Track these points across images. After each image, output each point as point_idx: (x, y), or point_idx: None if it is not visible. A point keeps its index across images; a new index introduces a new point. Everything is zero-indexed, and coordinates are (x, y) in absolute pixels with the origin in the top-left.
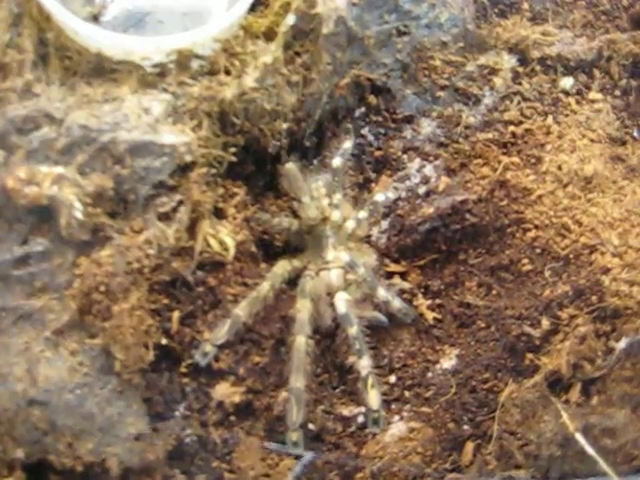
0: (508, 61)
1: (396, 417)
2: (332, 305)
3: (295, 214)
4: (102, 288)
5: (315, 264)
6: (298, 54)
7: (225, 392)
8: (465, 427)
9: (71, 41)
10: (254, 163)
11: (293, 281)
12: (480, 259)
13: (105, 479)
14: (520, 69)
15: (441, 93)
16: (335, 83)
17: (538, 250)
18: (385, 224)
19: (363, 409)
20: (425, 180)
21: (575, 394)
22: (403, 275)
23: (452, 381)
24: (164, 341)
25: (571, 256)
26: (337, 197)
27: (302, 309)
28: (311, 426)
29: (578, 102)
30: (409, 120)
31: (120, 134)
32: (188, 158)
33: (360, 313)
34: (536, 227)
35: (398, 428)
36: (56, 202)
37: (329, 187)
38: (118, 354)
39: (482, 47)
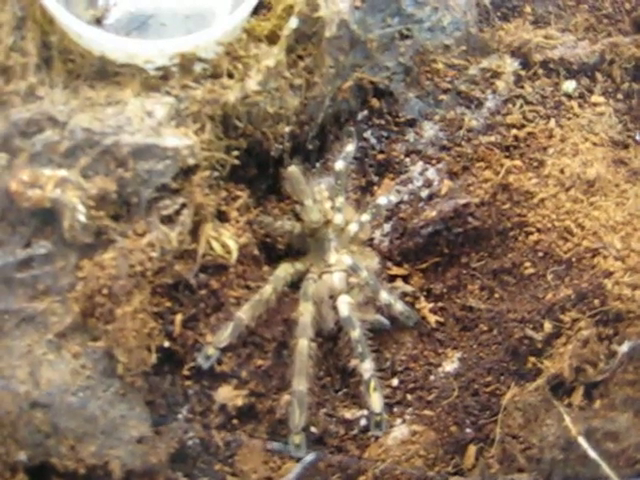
0: (510, 64)
1: (398, 420)
2: (334, 308)
3: (298, 217)
4: (105, 291)
5: (318, 267)
6: (301, 57)
7: (228, 395)
8: (467, 430)
9: (74, 44)
10: (257, 166)
11: (296, 284)
12: (482, 262)
13: None
14: (522, 72)
15: (444, 96)
16: (338, 86)
17: (540, 253)
18: (387, 227)
19: (365, 412)
20: (428, 183)
21: (577, 398)
22: (405, 278)
23: (454, 384)
24: (167, 344)
25: (573, 259)
26: (339, 200)
27: (304, 312)
28: (313, 429)
29: (580, 105)
30: (412, 123)
31: (123, 137)
32: (191, 161)
33: (362, 316)
34: (538, 230)
35: (400, 431)
36: (59, 205)
37: (332, 190)
38: (121, 357)
39: (484, 50)
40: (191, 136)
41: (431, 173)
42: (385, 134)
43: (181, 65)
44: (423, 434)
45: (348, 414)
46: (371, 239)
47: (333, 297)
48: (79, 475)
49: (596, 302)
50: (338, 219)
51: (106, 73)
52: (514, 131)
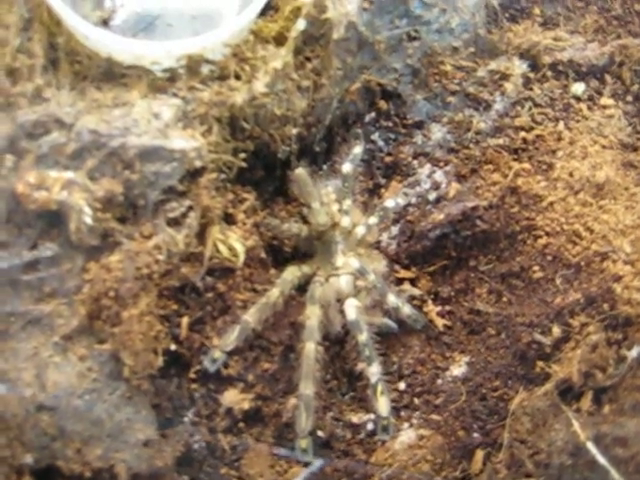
0: (519, 66)
1: (405, 424)
2: (342, 311)
3: (305, 220)
4: (111, 293)
5: (325, 270)
6: (308, 59)
7: (234, 398)
8: (475, 435)
9: (81, 46)
10: (264, 168)
11: (302, 287)
12: (490, 266)
13: None
14: (531, 74)
15: (452, 98)
16: (345, 88)
17: (549, 257)
18: (395, 230)
19: (372, 416)
20: (435, 186)
21: (586, 403)
22: (413, 281)
23: (462, 388)
24: (173, 347)
25: (582, 263)
26: (347, 203)
27: (311, 315)
28: (320, 433)
29: (590, 108)
30: (419, 125)
31: (130, 139)
32: (198, 163)
33: (370, 320)
34: (547, 234)
35: (407, 435)
36: (65, 207)
37: (339, 193)
38: (127, 360)
39: (493, 52)
40: (198, 138)
41: (439, 176)
42: (393, 136)
43: (188, 67)
44: (430, 438)
45: (355, 418)
46: (378, 242)
47: (340, 300)
48: (85, 478)
49: (605, 306)
50: (345, 222)
51: (113, 75)
52: (522, 134)
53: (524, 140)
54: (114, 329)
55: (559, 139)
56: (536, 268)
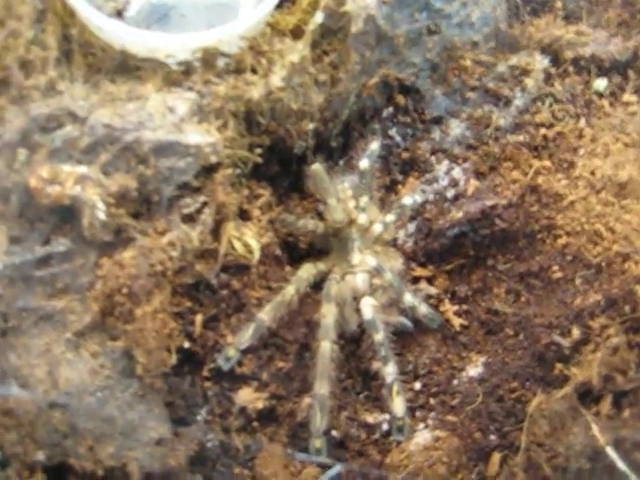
0: (540, 61)
1: (421, 425)
2: (357, 310)
3: (320, 216)
4: (124, 290)
5: (341, 268)
6: (326, 53)
7: (248, 397)
8: (492, 437)
9: (95, 37)
10: (279, 164)
11: (318, 285)
12: (509, 265)
13: None
14: (552, 70)
15: (471, 94)
16: (363, 83)
17: (569, 257)
18: (412, 227)
19: (387, 416)
20: (454, 183)
21: (606, 406)
22: (430, 280)
23: (478, 389)
24: (187, 345)
25: (603, 264)
26: (364, 200)
27: (327, 314)
28: (334, 433)
29: (612, 104)
30: (438, 121)
31: (144, 133)
32: (213, 159)
33: (386, 318)
34: (567, 234)
35: (423, 437)
36: (79, 202)
37: (355, 189)
38: (140, 357)
39: (514, 47)
40: (213, 133)
41: (457, 172)
42: (410, 132)
43: (204, 60)
44: (446, 440)
45: (370, 418)
46: (395, 239)
47: (356, 298)
48: (97, 476)
49: (626, 308)
50: (362, 219)
51: (127, 67)
52: (543, 130)
53: (544, 137)
54: (127, 326)
55: (580, 136)
56: (556, 268)
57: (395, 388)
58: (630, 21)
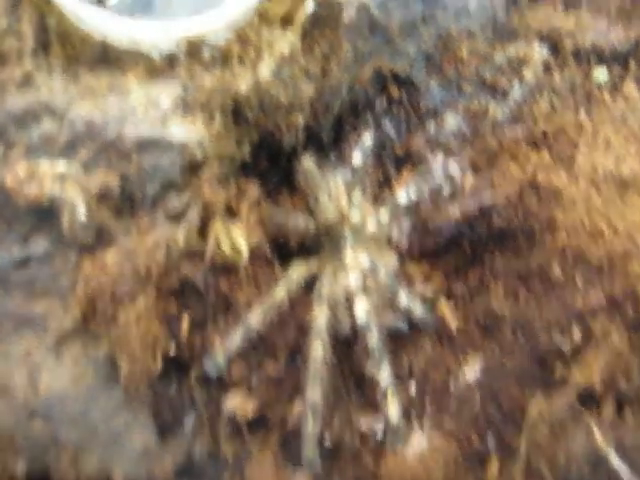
0: (539, 51)
1: (417, 430)
2: (350, 310)
3: (311, 213)
4: (107, 294)
5: (332, 266)
6: (317, 43)
7: (237, 404)
8: (490, 442)
9: (74, 27)
10: (268, 159)
11: (309, 285)
12: (507, 264)
13: None
14: (551, 60)
15: (467, 85)
16: (355, 74)
17: (569, 256)
18: (406, 224)
19: (382, 421)
20: (449, 178)
21: (608, 410)
22: (425, 279)
23: (476, 392)
24: (173, 350)
25: (605, 263)
26: (356, 196)
27: (319, 316)
28: (327, 439)
29: (612, 96)
30: (433, 114)
31: (126, 129)
32: (199, 154)
33: (380, 320)
34: (568, 232)
35: (419, 442)
36: (58, 201)
37: (348, 185)
38: (124, 363)
39: (511, 37)
40: (199, 127)
41: (453, 167)
42: (405, 125)
43: (189, 50)
44: (443, 446)
45: (364, 423)
46: (389, 237)
47: (349, 299)
48: None
49: (629, 309)
50: (355, 216)
51: (108, 58)
52: (542, 123)
53: (543, 131)
54: (110, 331)
55: (580, 129)
56: (555, 267)
57: (390, 393)
58: (631, 9)
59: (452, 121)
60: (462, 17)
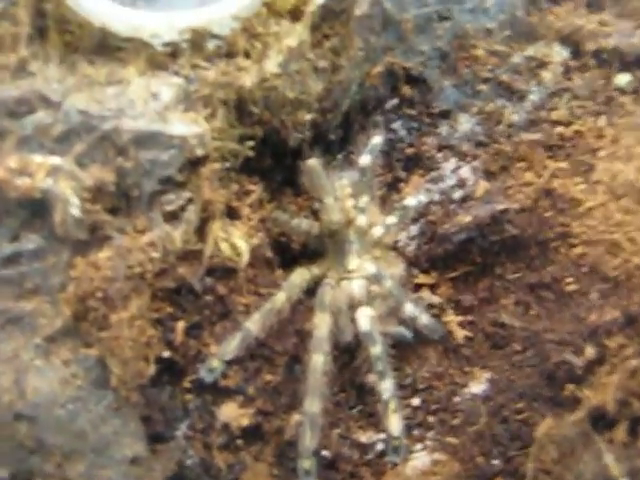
0: (559, 53)
1: (419, 446)
2: (353, 319)
3: (316, 215)
4: (99, 294)
5: (336, 272)
6: (327, 37)
7: (232, 413)
8: (495, 462)
9: (73, 13)
10: (272, 157)
11: (311, 291)
12: (519, 275)
13: None
14: (572, 62)
15: (483, 87)
16: (366, 71)
17: (585, 269)
18: (415, 230)
19: (382, 435)
20: (461, 183)
21: (621, 433)
22: (432, 288)
23: (482, 409)
24: (166, 354)
25: (622, 277)
26: (363, 199)
27: (320, 324)
28: (325, 452)
29: (635, 101)
30: (446, 115)
31: (124, 122)
32: (200, 151)
33: (384, 329)
34: (584, 243)
35: (421, 460)
36: (51, 196)
37: (355, 187)
38: (115, 367)
39: (531, 37)
40: (201, 123)
41: (465, 172)
42: (416, 126)
43: (192, 41)
44: (446, 464)
45: (363, 437)
46: (396, 243)
47: (352, 307)
48: None
49: None
50: (361, 220)
51: (107, 47)
52: (560, 129)
53: (561, 136)
54: (101, 333)
55: (600, 136)
56: (570, 280)
57: (392, 406)
58: None
59: (466, 123)
60: (479, 15)
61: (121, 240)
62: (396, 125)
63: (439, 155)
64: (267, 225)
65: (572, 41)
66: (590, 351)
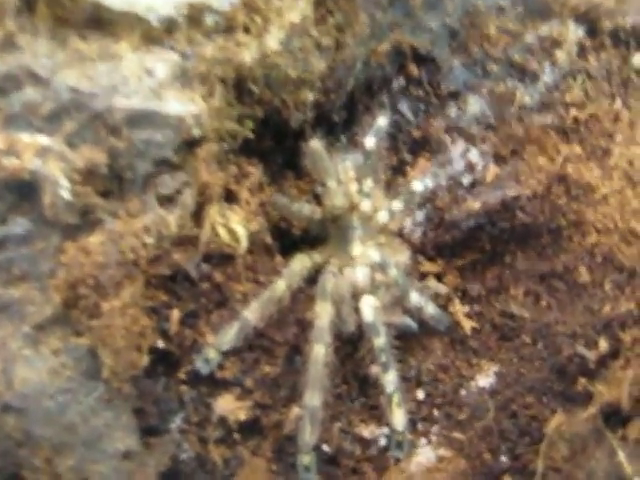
0: (574, 32)
1: (423, 441)
2: (357, 309)
3: (318, 200)
4: (90, 281)
5: (339, 259)
6: (331, 13)
7: (229, 406)
8: (503, 459)
9: None
10: (273, 138)
11: (312, 279)
12: (529, 264)
13: None
14: (587, 42)
15: (494, 66)
16: (372, 49)
17: (599, 258)
18: (421, 215)
19: (386, 429)
20: (470, 167)
21: (634, 430)
22: (439, 276)
23: (489, 403)
24: (161, 344)
25: (637, 268)
26: (368, 183)
27: (322, 313)
28: (325, 447)
29: None
30: (455, 96)
31: (117, 100)
32: (196, 131)
33: (388, 319)
34: (598, 231)
35: (425, 455)
36: (39, 177)
37: (359, 170)
38: (106, 358)
39: (545, 14)
40: (198, 101)
41: (474, 155)
42: (423, 107)
43: (189, 16)
44: (451, 461)
45: (366, 431)
46: (401, 229)
47: (355, 296)
48: None
49: None
50: (365, 205)
51: (100, 21)
52: (574, 111)
53: (575, 119)
54: (92, 322)
55: (616, 119)
56: (583, 270)
57: (395, 399)
58: None
59: (475, 105)
60: None
61: (113, 224)
62: (402, 106)
63: (447, 138)
64: (267, 209)
65: (588, 19)
66: (603, 344)
